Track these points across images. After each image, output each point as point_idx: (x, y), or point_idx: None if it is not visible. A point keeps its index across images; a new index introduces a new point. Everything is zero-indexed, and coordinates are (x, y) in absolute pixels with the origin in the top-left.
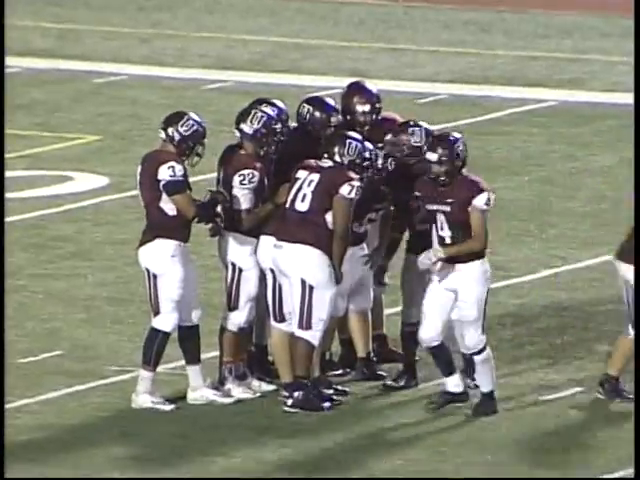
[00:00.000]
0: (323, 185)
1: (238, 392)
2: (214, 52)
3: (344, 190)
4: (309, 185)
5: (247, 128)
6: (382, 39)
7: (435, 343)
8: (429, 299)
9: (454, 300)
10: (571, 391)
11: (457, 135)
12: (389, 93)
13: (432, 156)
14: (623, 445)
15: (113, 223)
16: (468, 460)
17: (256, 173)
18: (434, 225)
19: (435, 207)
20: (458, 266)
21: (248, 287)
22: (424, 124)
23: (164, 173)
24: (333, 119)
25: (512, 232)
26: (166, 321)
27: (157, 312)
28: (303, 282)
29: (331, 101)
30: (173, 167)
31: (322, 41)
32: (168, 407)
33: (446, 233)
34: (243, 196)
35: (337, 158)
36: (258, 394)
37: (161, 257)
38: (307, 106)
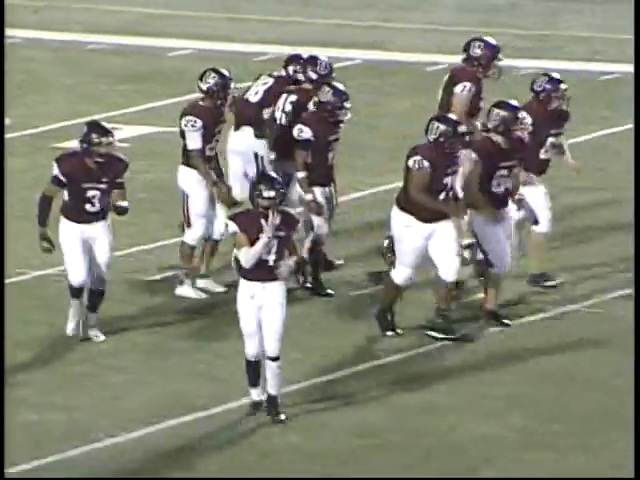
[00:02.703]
0: None
1: (191, 292)
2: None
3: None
4: None
5: (202, 85)
6: (226, 9)
7: (259, 359)
8: (246, 319)
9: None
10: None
11: None
12: (229, 53)
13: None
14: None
15: None
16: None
17: (198, 120)
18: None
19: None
20: (267, 285)
21: (196, 208)
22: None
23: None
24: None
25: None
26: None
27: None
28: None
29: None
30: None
31: (180, 11)
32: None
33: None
34: (189, 137)
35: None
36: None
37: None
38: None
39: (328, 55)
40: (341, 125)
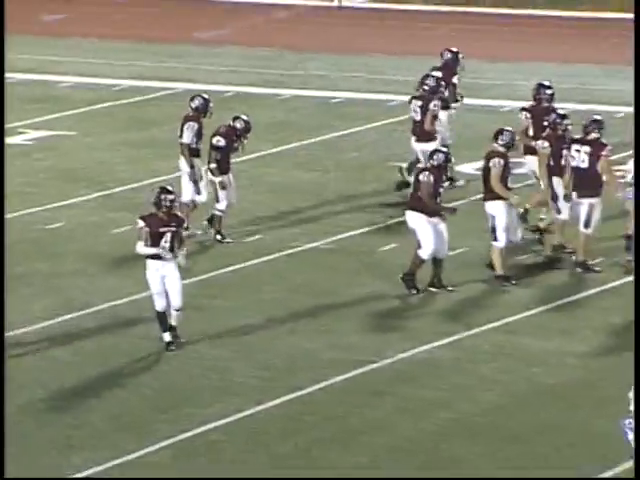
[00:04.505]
0: None
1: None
2: (9, 63)
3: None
4: None
5: (192, 104)
6: (94, 57)
7: (165, 310)
8: (155, 285)
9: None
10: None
11: None
12: (96, 84)
13: None
14: None
15: None
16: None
17: (196, 124)
18: None
19: None
20: (166, 262)
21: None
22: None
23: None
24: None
25: None
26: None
27: None
28: None
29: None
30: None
31: (65, 58)
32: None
33: None
34: (186, 134)
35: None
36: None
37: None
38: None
39: (156, 85)
40: (241, 141)
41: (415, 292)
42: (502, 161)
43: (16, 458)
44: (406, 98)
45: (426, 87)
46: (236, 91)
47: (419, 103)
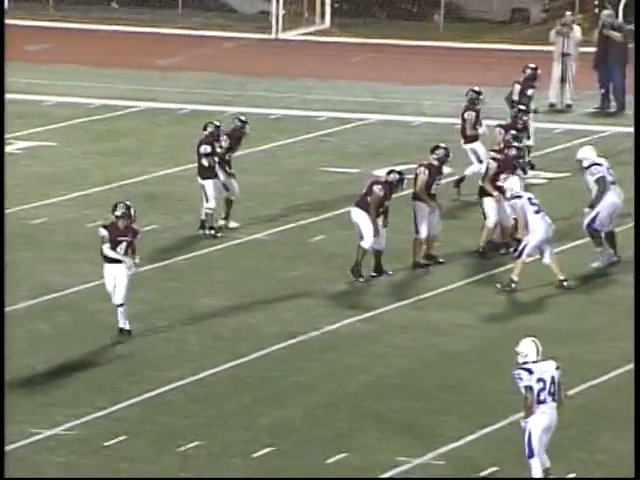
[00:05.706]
0: None
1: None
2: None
3: None
4: None
5: (233, 125)
6: (71, 79)
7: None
8: (108, 284)
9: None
10: None
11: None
12: (74, 103)
13: None
14: None
15: None
16: None
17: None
18: None
19: None
20: (118, 265)
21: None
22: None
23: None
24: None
25: None
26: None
27: None
28: None
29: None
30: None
31: (48, 81)
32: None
33: None
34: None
35: None
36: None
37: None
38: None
39: (124, 104)
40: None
41: (362, 280)
42: (427, 170)
43: (5, 418)
44: (332, 114)
45: (467, 99)
46: (190, 109)
47: (460, 112)
